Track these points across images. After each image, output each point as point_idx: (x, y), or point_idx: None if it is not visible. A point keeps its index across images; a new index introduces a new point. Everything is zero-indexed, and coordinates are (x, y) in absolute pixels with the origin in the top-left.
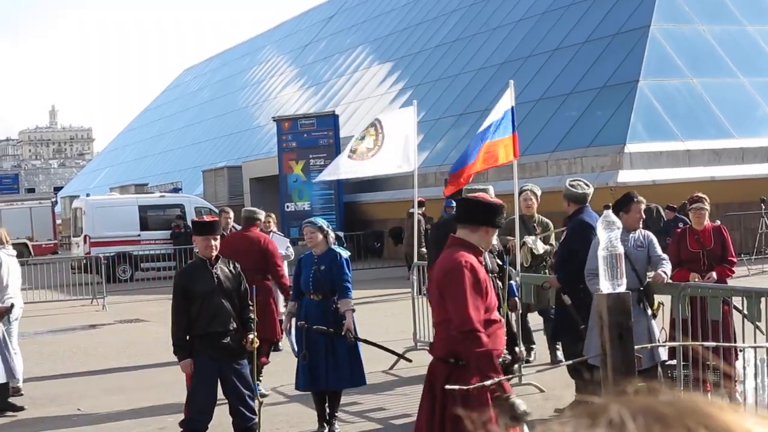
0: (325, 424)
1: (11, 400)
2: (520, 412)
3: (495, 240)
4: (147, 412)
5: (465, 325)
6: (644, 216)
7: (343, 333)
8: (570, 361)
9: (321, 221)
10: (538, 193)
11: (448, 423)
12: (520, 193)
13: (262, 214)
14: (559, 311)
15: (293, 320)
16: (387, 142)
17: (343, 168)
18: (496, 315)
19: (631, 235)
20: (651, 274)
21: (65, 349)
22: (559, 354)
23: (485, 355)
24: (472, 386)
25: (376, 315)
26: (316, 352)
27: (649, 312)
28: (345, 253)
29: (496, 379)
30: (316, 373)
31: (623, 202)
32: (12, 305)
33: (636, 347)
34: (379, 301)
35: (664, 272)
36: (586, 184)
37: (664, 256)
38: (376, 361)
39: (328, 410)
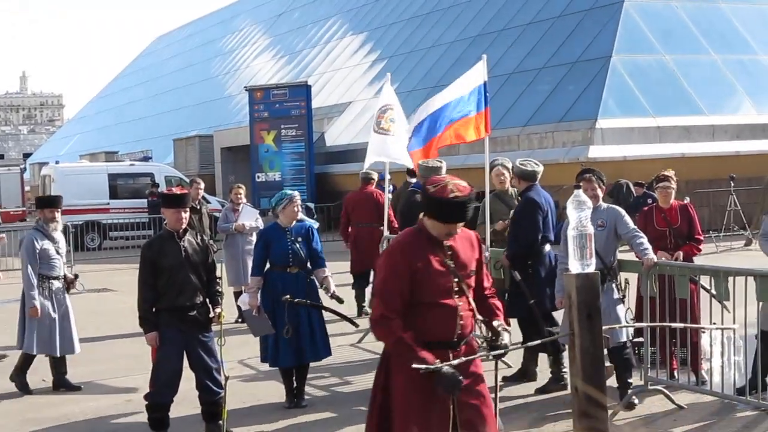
0: (295, 399)
1: None
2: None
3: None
4: (113, 383)
5: (373, 312)
6: (599, 193)
7: (330, 295)
8: (531, 343)
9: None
10: (510, 166)
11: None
12: (491, 169)
13: (375, 175)
14: (511, 288)
15: (249, 297)
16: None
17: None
18: (442, 299)
19: (597, 212)
20: (623, 248)
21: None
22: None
23: (387, 343)
24: (436, 366)
25: (346, 287)
26: (298, 325)
27: (615, 294)
28: (315, 224)
29: (464, 359)
30: (300, 348)
31: (577, 177)
32: (77, 275)
33: (604, 327)
34: (348, 273)
35: (648, 256)
36: (536, 163)
37: (635, 230)
38: (345, 335)
39: (296, 384)
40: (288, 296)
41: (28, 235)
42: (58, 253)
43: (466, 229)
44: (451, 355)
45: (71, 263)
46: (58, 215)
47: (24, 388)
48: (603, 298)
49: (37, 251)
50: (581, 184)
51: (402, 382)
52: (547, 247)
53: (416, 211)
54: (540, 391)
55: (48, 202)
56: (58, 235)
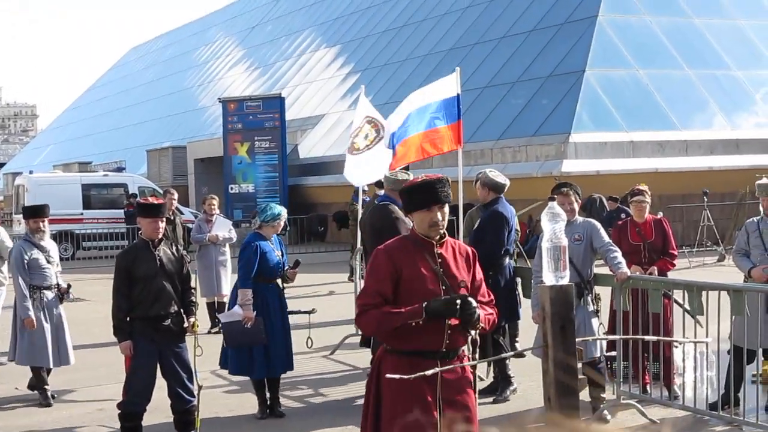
0: (267, 410)
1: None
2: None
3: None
4: (86, 392)
5: (357, 304)
6: (575, 207)
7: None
8: (497, 357)
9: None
10: None
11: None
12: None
13: None
14: None
15: (244, 309)
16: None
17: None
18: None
19: (572, 226)
20: (599, 262)
21: (3, 328)
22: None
23: (374, 326)
24: (412, 375)
25: (319, 299)
26: (273, 337)
27: (591, 308)
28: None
29: (437, 369)
30: (274, 360)
31: (552, 192)
32: (69, 285)
33: (577, 339)
34: (321, 285)
35: (621, 270)
36: (503, 177)
37: (610, 243)
38: (318, 346)
39: (269, 394)
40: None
41: (16, 246)
42: (48, 262)
43: (462, 244)
44: (439, 365)
45: None
46: (43, 224)
47: (45, 400)
48: (578, 312)
49: (26, 261)
50: (557, 197)
51: (389, 390)
52: (507, 259)
53: (388, 224)
54: (497, 400)
55: (32, 212)
56: (48, 244)
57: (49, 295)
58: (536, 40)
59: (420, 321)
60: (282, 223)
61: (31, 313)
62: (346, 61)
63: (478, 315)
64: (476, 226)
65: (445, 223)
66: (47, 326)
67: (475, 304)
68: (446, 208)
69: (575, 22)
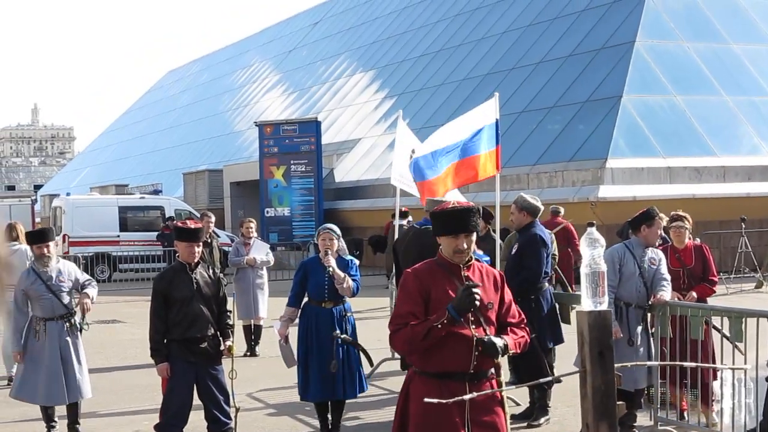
0: None
1: None
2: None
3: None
4: (122, 414)
5: (390, 326)
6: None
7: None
8: (533, 382)
9: (336, 228)
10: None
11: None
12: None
13: (562, 209)
14: None
15: (280, 325)
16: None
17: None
18: (458, 328)
19: (648, 250)
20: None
21: None
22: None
23: (407, 343)
24: (450, 400)
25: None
26: (312, 361)
27: (651, 330)
28: (356, 260)
29: (474, 394)
30: (332, 382)
31: (647, 217)
32: (78, 311)
33: (616, 365)
34: (357, 310)
35: (660, 293)
36: (539, 201)
37: (667, 276)
38: None
39: (331, 419)
40: (338, 332)
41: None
42: (50, 291)
43: (490, 267)
44: (467, 386)
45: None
46: (47, 250)
47: None
48: (643, 336)
49: (22, 290)
50: (655, 222)
51: (417, 411)
52: (546, 284)
53: (427, 252)
54: (530, 425)
55: (34, 237)
56: (54, 270)
57: (54, 325)
58: (573, 65)
59: (444, 320)
60: (322, 241)
61: (17, 347)
62: (382, 85)
63: (496, 346)
64: (514, 251)
65: (471, 251)
66: (46, 361)
67: (488, 339)
68: (473, 236)
69: (612, 48)
